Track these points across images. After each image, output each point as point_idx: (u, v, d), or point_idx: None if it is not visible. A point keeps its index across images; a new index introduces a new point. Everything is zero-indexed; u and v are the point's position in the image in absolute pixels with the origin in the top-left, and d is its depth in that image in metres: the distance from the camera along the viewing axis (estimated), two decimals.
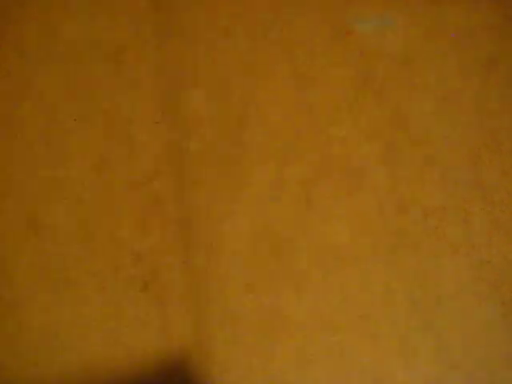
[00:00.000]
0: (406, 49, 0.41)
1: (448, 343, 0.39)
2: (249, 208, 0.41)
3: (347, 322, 0.39)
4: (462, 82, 0.40)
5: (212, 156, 0.42)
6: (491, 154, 0.39)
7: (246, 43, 0.42)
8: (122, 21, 0.45)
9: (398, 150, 0.40)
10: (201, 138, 0.42)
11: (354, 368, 0.39)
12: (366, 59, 0.41)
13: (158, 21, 0.44)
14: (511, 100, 0.39)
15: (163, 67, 0.43)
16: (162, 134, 0.43)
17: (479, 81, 0.40)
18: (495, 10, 0.40)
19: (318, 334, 0.40)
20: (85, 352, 0.42)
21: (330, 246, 0.40)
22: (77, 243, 0.43)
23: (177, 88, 0.43)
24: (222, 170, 0.42)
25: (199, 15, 0.43)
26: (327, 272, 0.40)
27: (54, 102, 0.45)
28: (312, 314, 0.40)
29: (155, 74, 0.43)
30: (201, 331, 0.41)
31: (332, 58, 0.40)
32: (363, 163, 0.41)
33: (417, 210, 0.40)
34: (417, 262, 0.39)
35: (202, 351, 0.41)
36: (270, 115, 0.41)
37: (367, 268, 0.40)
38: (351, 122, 0.41)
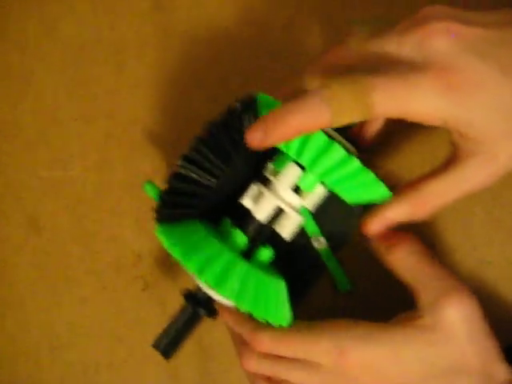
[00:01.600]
0: None
1: None
2: None
3: None
4: None
5: None
6: None
7: (245, 44, 0.42)
8: (122, 21, 0.45)
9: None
10: None
11: None
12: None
13: (158, 21, 0.44)
14: None
15: (163, 67, 0.43)
16: (162, 135, 0.43)
17: None
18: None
19: None
20: (85, 352, 0.42)
21: None
22: (77, 243, 0.43)
23: (177, 88, 0.43)
24: None
25: (199, 15, 0.43)
26: (326, 272, 0.39)
27: (54, 102, 0.45)
28: (311, 313, 0.40)
29: (155, 74, 0.43)
30: (201, 331, 0.41)
31: None
32: None
33: None
34: None
35: (202, 351, 0.41)
36: None
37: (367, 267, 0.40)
38: None
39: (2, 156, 0.45)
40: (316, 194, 0.33)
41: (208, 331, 0.41)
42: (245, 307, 0.31)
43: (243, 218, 0.34)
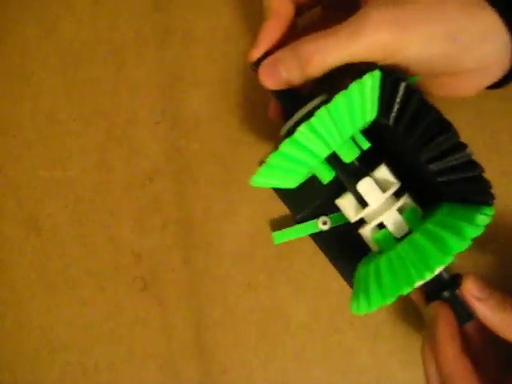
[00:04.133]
0: None
1: None
2: (249, 208, 0.41)
3: (347, 322, 0.39)
4: None
5: (212, 156, 0.42)
6: (491, 153, 0.39)
7: (245, 44, 0.42)
8: (122, 21, 0.45)
9: None
10: (201, 138, 0.42)
11: (353, 368, 0.39)
12: None
13: (158, 21, 0.44)
14: (511, 100, 0.39)
15: (163, 67, 0.43)
16: (162, 134, 0.43)
17: None
18: None
19: (318, 334, 0.40)
20: (85, 352, 0.42)
21: None
22: (76, 243, 0.43)
23: (177, 88, 0.43)
24: (221, 169, 0.41)
25: (198, 15, 0.43)
26: (326, 272, 0.40)
27: (54, 102, 0.45)
28: (312, 314, 0.40)
29: (155, 74, 0.43)
30: (201, 331, 0.41)
31: None
32: None
33: None
34: None
35: (202, 351, 0.41)
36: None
37: None
38: None
39: (1, 156, 0.45)
40: (367, 230, 0.34)
41: (208, 331, 0.41)
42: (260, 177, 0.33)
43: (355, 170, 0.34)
